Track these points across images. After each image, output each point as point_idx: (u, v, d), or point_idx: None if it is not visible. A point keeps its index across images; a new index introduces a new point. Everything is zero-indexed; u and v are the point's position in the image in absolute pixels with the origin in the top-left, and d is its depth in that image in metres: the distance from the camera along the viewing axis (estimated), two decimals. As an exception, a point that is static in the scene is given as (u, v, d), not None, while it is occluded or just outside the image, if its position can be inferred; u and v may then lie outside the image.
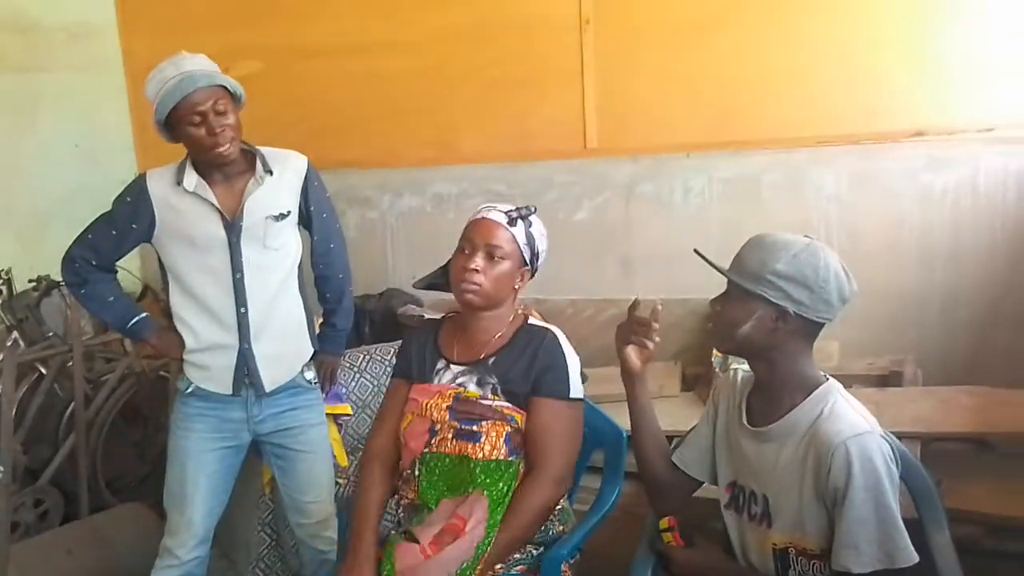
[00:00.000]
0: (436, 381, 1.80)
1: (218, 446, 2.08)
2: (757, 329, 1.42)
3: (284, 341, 2.11)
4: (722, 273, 1.48)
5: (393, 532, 1.77)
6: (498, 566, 1.66)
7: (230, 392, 2.05)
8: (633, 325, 1.60)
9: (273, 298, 2.07)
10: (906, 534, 1.34)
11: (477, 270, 1.71)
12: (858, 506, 1.32)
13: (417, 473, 1.75)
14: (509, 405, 1.73)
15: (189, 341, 2.05)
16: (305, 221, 2.14)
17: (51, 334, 3.21)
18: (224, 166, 1.98)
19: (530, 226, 1.79)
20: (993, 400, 2.54)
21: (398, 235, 3.68)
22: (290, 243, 2.10)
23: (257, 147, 2.06)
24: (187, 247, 2.01)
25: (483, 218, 1.77)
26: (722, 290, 1.50)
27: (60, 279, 3.16)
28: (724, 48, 3.16)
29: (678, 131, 3.26)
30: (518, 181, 3.47)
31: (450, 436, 1.72)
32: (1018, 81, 2.86)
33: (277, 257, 2.07)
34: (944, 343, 2.97)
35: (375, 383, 2.57)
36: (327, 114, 3.68)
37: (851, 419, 1.40)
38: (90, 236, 2.06)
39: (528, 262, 1.79)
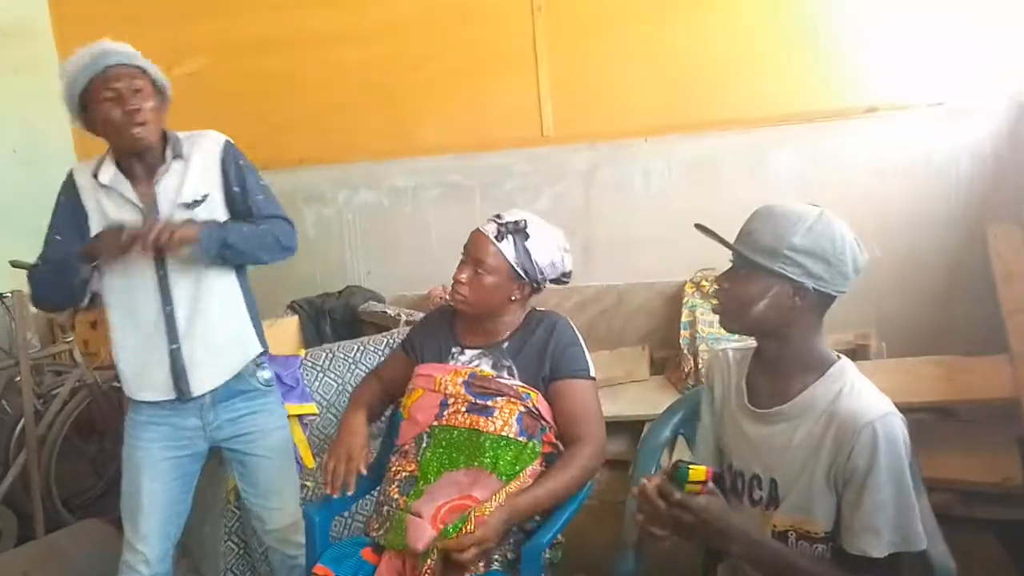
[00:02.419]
0: (451, 362, 1.83)
1: (172, 455, 1.98)
2: (773, 307, 1.35)
3: (217, 341, 1.95)
4: (733, 249, 1.38)
5: (389, 508, 1.74)
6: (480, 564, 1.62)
7: (172, 396, 1.93)
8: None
9: (203, 294, 1.92)
10: (919, 518, 1.31)
11: (462, 282, 1.77)
12: (880, 489, 1.28)
13: (424, 445, 1.75)
14: (524, 384, 1.76)
15: (120, 344, 1.95)
16: (238, 205, 1.96)
17: (-5, 348, 3.07)
18: (142, 154, 1.88)
19: (525, 239, 1.76)
20: (955, 368, 2.58)
21: (355, 231, 3.61)
22: None
23: (176, 133, 1.94)
24: None
25: (478, 230, 1.80)
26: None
27: (2, 291, 3.07)
28: (678, 31, 3.16)
29: (635, 116, 3.26)
30: (476, 171, 3.43)
31: (463, 409, 1.74)
32: (966, 55, 2.91)
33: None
34: (904, 314, 3.01)
35: (339, 382, 2.50)
36: (277, 110, 3.59)
37: (874, 399, 1.35)
38: (41, 255, 1.95)
39: (523, 276, 1.77)
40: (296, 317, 3.08)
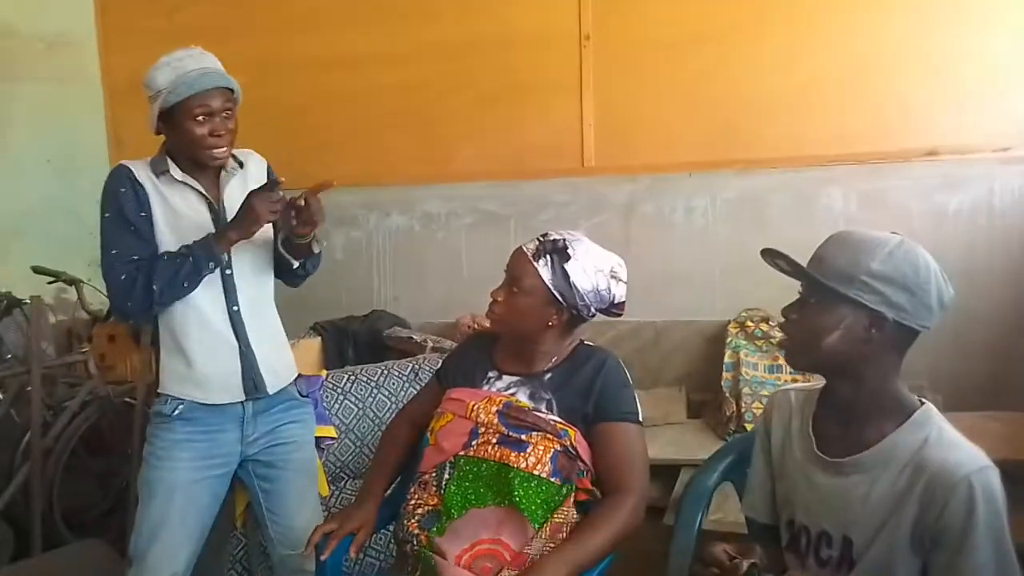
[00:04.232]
0: (486, 388, 1.71)
1: (208, 475, 1.88)
2: (846, 339, 1.24)
3: (277, 342, 2.02)
4: (804, 274, 1.27)
5: (411, 546, 1.62)
6: None
7: (243, 398, 1.90)
8: None
9: (263, 296, 1.98)
10: None
11: (497, 300, 1.69)
12: (980, 550, 1.15)
13: (447, 477, 1.62)
14: (563, 420, 1.63)
15: (182, 354, 1.88)
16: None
17: (9, 356, 3.00)
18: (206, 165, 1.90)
19: (565, 261, 1.62)
20: (1017, 425, 2.42)
21: (384, 255, 3.51)
22: (267, 239, 1.97)
23: None
24: (174, 242, 1.86)
25: (519, 247, 1.70)
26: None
27: (22, 297, 3.00)
28: (728, 65, 3.07)
29: (680, 149, 3.15)
30: (512, 200, 3.34)
31: (494, 440, 1.61)
32: (1033, 99, 2.78)
33: (260, 253, 1.96)
34: (959, 367, 2.84)
35: (360, 406, 2.37)
36: (313, 130, 3.53)
37: (968, 449, 1.21)
38: (115, 251, 1.83)
39: (561, 301, 1.63)
40: (319, 338, 2.97)
